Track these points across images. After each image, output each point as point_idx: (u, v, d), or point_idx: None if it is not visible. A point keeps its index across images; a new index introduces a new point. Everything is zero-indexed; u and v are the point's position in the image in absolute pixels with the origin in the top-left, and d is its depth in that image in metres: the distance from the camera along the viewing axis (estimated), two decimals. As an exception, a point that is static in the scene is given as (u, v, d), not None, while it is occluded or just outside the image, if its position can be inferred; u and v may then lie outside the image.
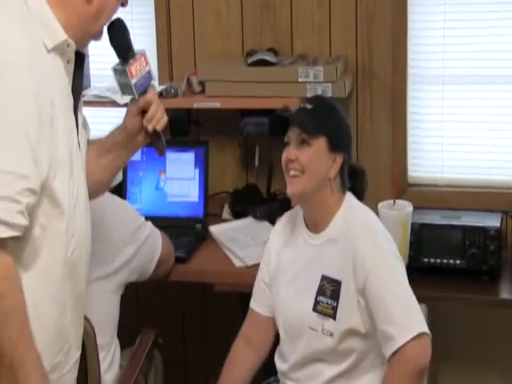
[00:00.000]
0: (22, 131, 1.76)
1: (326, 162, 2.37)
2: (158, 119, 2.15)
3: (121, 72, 2.08)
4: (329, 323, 2.33)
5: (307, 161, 2.35)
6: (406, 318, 2.24)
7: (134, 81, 2.09)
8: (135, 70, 2.09)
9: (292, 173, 2.37)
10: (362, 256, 2.28)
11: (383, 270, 2.28)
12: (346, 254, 2.32)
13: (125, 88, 2.11)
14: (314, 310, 2.36)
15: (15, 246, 1.82)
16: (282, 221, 2.59)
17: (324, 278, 2.36)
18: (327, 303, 2.34)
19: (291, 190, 2.39)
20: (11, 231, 1.75)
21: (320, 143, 2.36)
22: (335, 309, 2.32)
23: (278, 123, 2.47)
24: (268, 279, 2.53)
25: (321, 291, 2.36)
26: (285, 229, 2.54)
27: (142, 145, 2.22)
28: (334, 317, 2.32)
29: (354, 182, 2.47)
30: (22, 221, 1.76)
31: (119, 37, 2.08)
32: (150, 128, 2.14)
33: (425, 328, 2.23)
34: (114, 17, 2.04)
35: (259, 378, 2.63)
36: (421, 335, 2.21)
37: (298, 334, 2.40)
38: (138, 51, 2.11)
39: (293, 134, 2.38)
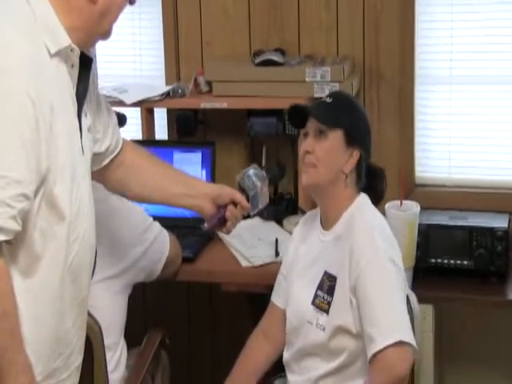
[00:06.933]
0: (17, 136, 1.75)
1: (342, 156, 2.39)
2: (236, 221, 2.40)
3: (262, 177, 2.43)
4: (323, 318, 2.35)
5: (323, 153, 2.37)
6: (388, 323, 2.21)
7: (262, 192, 2.42)
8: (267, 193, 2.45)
9: (307, 163, 2.39)
10: (357, 254, 2.29)
11: (375, 271, 2.27)
12: (345, 251, 2.33)
13: (250, 184, 2.39)
14: (313, 303, 2.39)
15: (13, 251, 1.82)
16: (305, 217, 2.63)
17: (325, 273, 2.38)
18: (323, 298, 2.36)
19: (304, 180, 2.41)
20: (3, 235, 1.75)
21: (337, 136, 2.38)
22: (329, 304, 2.34)
23: (296, 115, 2.49)
24: (285, 272, 2.57)
25: (320, 286, 2.38)
26: (305, 225, 2.58)
27: (204, 212, 2.41)
28: (327, 312, 2.34)
29: (373, 181, 2.48)
30: (15, 226, 1.76)
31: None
32: (227, 215, 2.36)
33: (407, 338, 2.19)
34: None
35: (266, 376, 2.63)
36: (401, 344, 2.18)
37: (299, 326, 2.43)
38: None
39: (311, 126, 2.41)
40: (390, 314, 2.23)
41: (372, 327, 2.21)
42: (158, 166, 2.42)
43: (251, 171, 2.44)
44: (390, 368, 2.18)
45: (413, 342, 2.20)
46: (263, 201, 2.45)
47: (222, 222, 2.39)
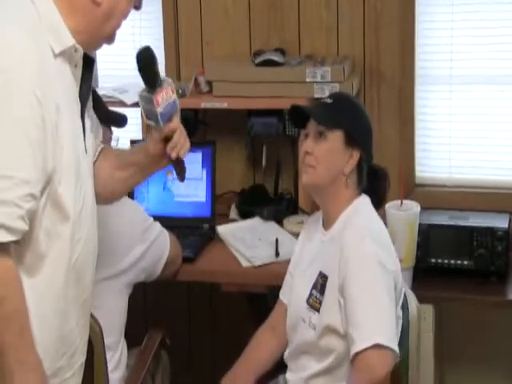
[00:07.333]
0: (24, 136, 1.75)
1: (342, 157, 2.40)
2: (181, 146, 2.12)
3: (147, 99, 2.07)
4: (314, 316, 2.37)
5: (322, 154, 2.38)
6: (369, 326, 2.21)
7: (160, 109, 2.08)
8: (162, 98, 2.08)
9: (306, 164, 2.41)
10: (346, 254, 2.29)
11: (361, 273, 2.26)
12: (336, 251, 2.33)
13: (150, 115, 2.10)
14: (307, 302, 2.40)
15: (18, 251, 1.82)
16: (312, 217, 2.63)
17: (320, 273, 2.39)
18: (316, 297, 2.37)
19: (304, 180, 2.43)
20: (11, 236, 1.75)
21: (336, 137, 2.39)
22: (321, 303, 2.35)
23: (297, 116, 2.50)
24: (292, 271, 2.58)
25: (315, 285, 2.39)
26: (311, 225, 2.59)
27: (163, 168, 2.22)
28: (319, 310, 2.35)
29: (375, 182, 2.48)
30: (23, 226, 1.76)
31: (148, 65, 2.08)
32: (173, 155, 2.11)
33: (386, 341, 2.19)
34: (143, 43, 1.99)
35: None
36: (380, 347, 2.17)
37: (295, 324, 2.45)
38: (165, 80, 2.11)
39: (311, 127, 2.43)
40: (372, 316, 2.23)
41: (353, 328, 2.22)
42: (106, 160, 2.22)
43: (140, 105, 2.13)
44: (370, 369, 2.18)
45: (393, 345, 2.20)
46: (169, 110, 2.10)
47: (179, 160, 2.17)
